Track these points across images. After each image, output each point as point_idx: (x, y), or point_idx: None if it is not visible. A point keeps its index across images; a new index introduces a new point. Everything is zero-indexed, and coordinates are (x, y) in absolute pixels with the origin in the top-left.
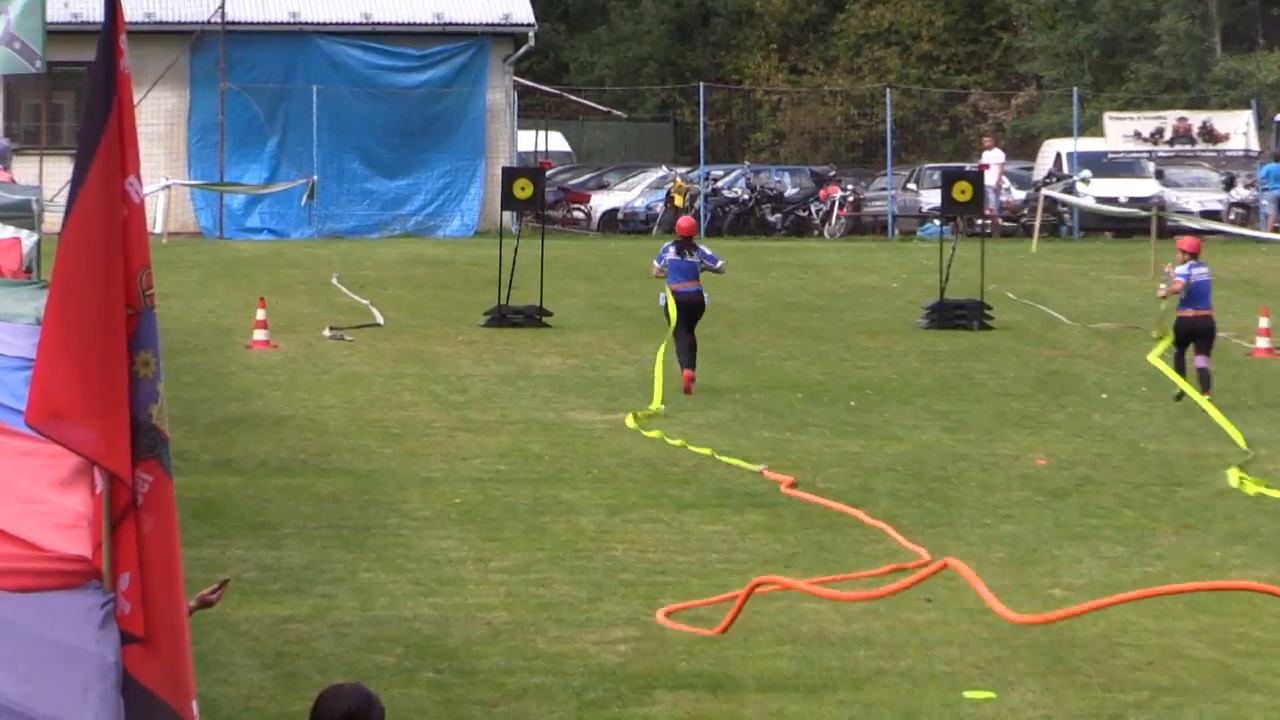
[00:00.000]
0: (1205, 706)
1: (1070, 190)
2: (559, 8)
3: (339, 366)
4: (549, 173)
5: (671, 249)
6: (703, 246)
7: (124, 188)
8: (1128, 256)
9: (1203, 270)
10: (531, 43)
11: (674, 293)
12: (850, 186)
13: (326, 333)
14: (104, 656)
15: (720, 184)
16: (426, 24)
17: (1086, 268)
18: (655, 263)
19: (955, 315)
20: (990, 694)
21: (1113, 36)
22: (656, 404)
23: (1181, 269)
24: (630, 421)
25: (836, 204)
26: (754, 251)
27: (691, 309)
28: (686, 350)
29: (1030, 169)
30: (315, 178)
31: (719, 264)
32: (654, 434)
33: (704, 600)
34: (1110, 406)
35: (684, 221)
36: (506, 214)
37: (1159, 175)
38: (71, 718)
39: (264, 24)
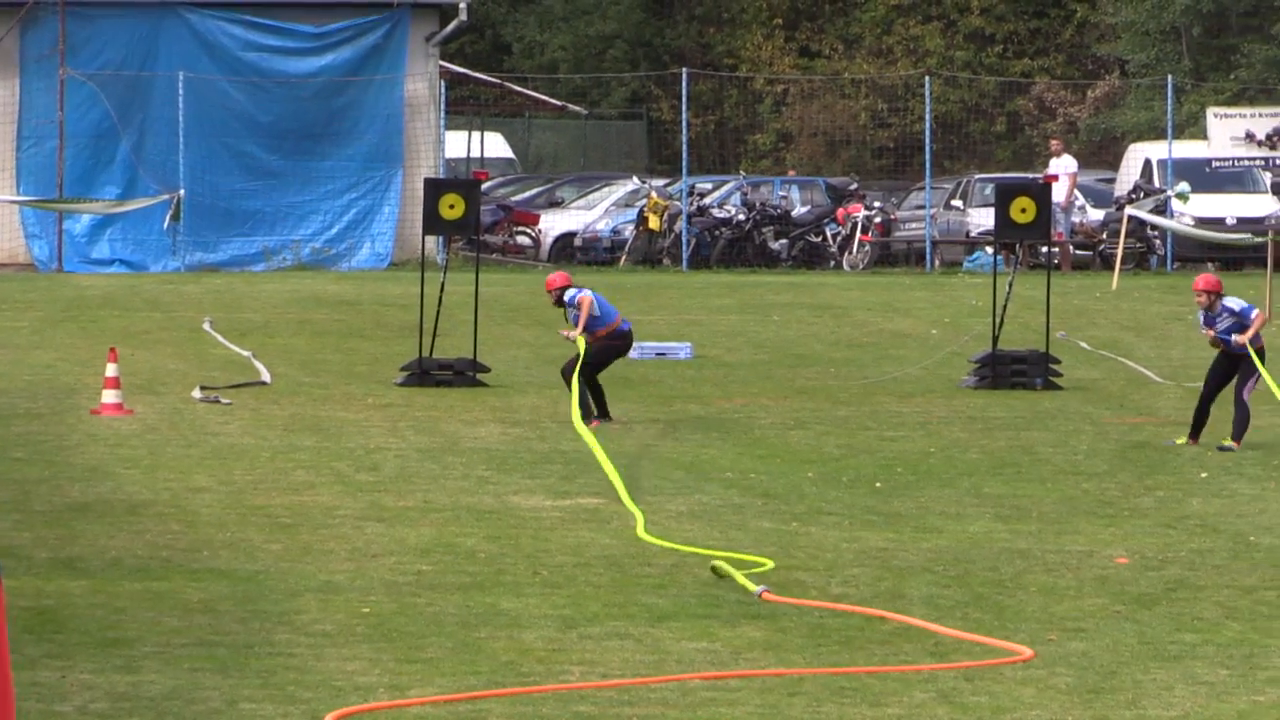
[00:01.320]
0: None
1: (1162, 209)
2: None
3: (213, 437)
4: (486, 185)
5: (586, 290)
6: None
7: None
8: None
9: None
10: (463, 17)
11: (610, 334)
12: (877, 204)
13: (197, 394)
14: None
15: (708, 200)
16: None
17: (1183, 309)
18: (592, 312)
19: (1012, 371)
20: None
21: (1219, 10)
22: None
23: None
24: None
25: (859, 227)
26: (751, 288)
27: (625, 351)
28: (592, 399)
29: (1111, 181)
30: (182, 193)
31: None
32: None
33: None
34: (1211, 489)
35: (555, 276)
36: (430, 240)
37: (1277, 189)
38: None
39: None
